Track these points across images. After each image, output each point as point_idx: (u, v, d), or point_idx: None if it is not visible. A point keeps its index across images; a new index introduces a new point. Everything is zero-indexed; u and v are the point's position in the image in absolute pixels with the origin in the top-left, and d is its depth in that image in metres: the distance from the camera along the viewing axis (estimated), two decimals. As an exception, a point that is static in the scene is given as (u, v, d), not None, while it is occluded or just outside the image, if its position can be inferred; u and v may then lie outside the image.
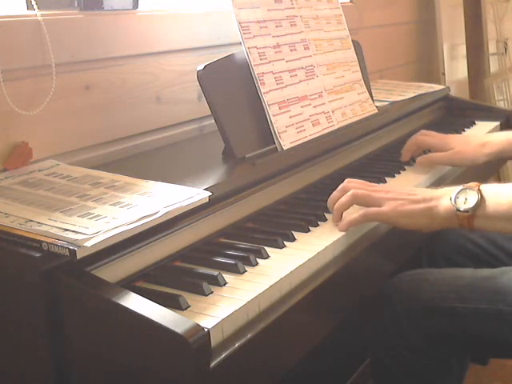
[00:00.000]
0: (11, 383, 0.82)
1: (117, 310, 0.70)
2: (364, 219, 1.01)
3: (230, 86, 1.13)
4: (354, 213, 1.02)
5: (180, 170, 1.08)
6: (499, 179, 2.72)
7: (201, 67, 1.08)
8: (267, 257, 0.90)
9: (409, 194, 1.03)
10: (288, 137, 1.16)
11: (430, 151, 1.38)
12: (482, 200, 0.97)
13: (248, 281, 0.83)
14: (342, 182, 1.20)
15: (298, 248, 0.94)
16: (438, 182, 1.32)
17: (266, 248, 0.92)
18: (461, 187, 0.99)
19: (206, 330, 0.69)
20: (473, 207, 0.96)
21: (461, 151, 1.35)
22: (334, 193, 1.05)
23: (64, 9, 1.11)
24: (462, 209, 0.97)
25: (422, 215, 1.00)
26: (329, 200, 1.06)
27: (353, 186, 1.04)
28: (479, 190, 0.98)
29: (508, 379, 1.86)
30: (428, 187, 1.29)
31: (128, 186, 0.93)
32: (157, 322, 0.67)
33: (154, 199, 0.87)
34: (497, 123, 1.77)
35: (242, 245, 0.94)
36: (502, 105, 2.70)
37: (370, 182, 1.22)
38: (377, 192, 1.04)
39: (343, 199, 1.03)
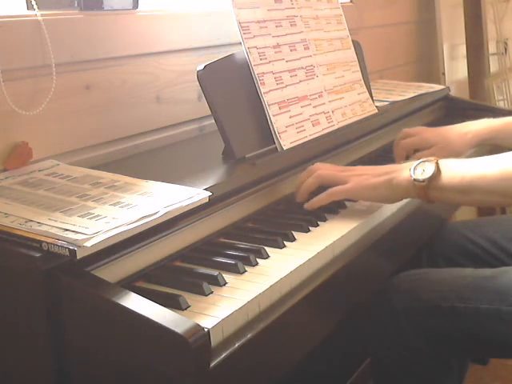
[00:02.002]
0: (11, 383, 0.82)
1: (117, 309, 0.70)
2: (329, 197, 1.06)
3: (230, 86, 1.13)
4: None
5: (180, 170, 1.08)
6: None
7: (201, 67, 1.08)
8: (267, 257, 0.90)
9: (373, 169, 1.09)
10: (288, 137, 1.16)
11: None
12: (437, 172, 1.01)
13: (248, 281, 0.83)
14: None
15: (298, 248, 0.94)
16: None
17: (266, 248, 0.92)
18: (421, 160, 1.04)
19: (205, 330, 0.69)
20: (428, 178, 1.01)
21: (444, 146, 1.35)
22: (302, 174, 1.10)
23: (64, 9, 1.11)
24: (418, 179, 1.02)
25: (383, 187, 1.05)
26: (297, 182, 1.10)
27: (319, 167, 1.09)
28: (437, 163, 1.02)
29: (508, 379, 1.86)
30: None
31: (128, 185, 0.93)
32: (157, 322, 0.67)
33: (154, 199, 0.87)
34: (487, 119, 1.76)
35: (242, 245, 0.94)
36: (502, 105, 2.70)
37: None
38: (342, 171, 1.09)
39: (310, 180, 1.08)
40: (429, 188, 1.01)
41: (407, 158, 1.37)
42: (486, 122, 1.42)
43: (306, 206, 1.07)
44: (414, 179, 1.02)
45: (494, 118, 1.43)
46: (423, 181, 1.01)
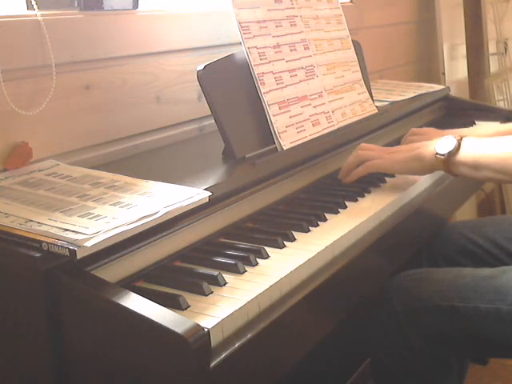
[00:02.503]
0: (11, 383, 0.82)
1: (117, 310, 0.70)
2: (366, 169, 1.18)
3: (230, 86, 1.13)
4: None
5: (180, 170, 1.08)
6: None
7: (201, 67, 1.08)
8: (267, 257, 0.90)
9: (408, 146, 1.21)
10: (288, 137, 1.16)
11: None
12: (457, 148, 1.11)
13: (248, 281, 0.83)
14: (342, 182, 1.21)
15: (298, 248, 0.94)
16: (438, 182, 1.32)
17: (266, 248, 0.92)
18: (448, 136, 1.14)
19: (205, 330, 0.69)
20: (448, 152, 1.11)
21: None
22: (350, 158, 1.21)
23: (64, 9, 1.11)
24: (440, 152, 1.12)
25: (413, 160, 1.16)
26: (343, 166, 1.22)
27: (366, 154, 1.20)
28: (459, 141, 1.12)
29: (508, 379, 1.86)
30: (429, 186, 1.29)
31: (128, 185, 0.93)
32: (157, 322, 0.67)
33: (154, 199, 0.87)
34: (497, 123, 1.77)
35: (242, 245, 0.94)
36: (502, 105, 2.70)
37: (369, 181, 1.23)
38: (380, 151, 1.21)
39: (350, 159, 1.21)
40: (448, 162, 1.11)
41: None
42: (494, 126, 1.43)
43: (347, 179, 1.20)
44: (437, 153, 1.12)
45: (502, 123, 1.45)
46: (443, 155, 1.11)
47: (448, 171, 1.14)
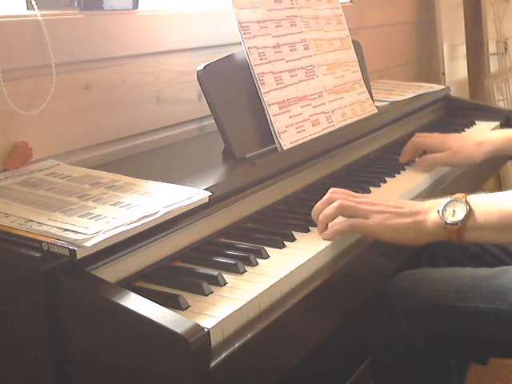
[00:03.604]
0: (11, 383, 0.82)
1: (117, 310, 0.70)
2: (350, 229, 0.99)
3: (230, 86, 1.13)
4: (339, 222, 1.00)
5: (180, 170, 1.08)
6: (499, 178, 2.72)
7: (201, 67, 1.08)
8: (267, 257, 0.90)
9: (395, 206, 1.00)
10: (288, 137, 1.16)
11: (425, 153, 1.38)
12: (470, 211, 0.95)
13: (248, 281, 0.83)
14: (342, 182, 1.21)
15: (298, 248, 0.94)
16: (438, 182, 1.32)
17: (265, 248, 0.92)
18: (448, 199, 0.97)
19: (206, 330, 0.69)
20: (462, 219, 0.94)
21: (458, 151, 1.35)
22: (318, 204, 1.02)
23: (64, 9, 1.11)
24: (450, 221, 0.95)
25: (408, 229, 0.97)
26: (313, 211, 1.02)
27: (338, 197, 1.01)
28: (467, 202, 0.96)
29: (508, 379, 1.86)
30: (428, 187, 1.29)
31: (128, 185, 0.93)
32: (157, 322, 0.67)
33: (154, 199, 0.87)
34: (497, 123, 1.77)
35: (242, 245, 0.94)
36: (502, 105, 2.70)
37: (369, 182, 1.23)
38: (363, 204, 1.00)
39: (329, 210, 0.99)
40: (464, 230, 0.95)
41: (412, 158, 1.37)
42: (502, 132, 1.43)
43: (325, 235, 0.98)
44: (447, 222, 0.95)
45: (510, 129, 1.44)
46: (456, 223, 0.95)
47: (458, 240, 0.96)
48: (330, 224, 1.00)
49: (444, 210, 0.96)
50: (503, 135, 1.40)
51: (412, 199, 1.21)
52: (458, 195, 0.97)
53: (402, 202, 1.03)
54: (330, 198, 1.01)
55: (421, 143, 1.38)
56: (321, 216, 1.00)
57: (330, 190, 1.04)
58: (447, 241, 0.97)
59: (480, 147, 1.37)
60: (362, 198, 1.04)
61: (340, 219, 1.00)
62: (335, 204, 0.99)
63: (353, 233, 1.00)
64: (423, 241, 0.99)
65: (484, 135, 1.43)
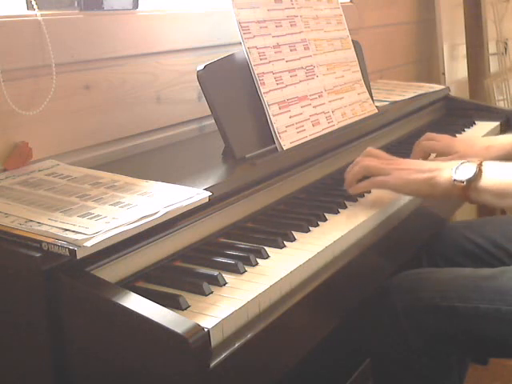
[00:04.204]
0: (11, 383, 0.82)
1: (117, 310, 0.70)
2: (371, 185, 1.12)
3: (230, 86, 1.13)
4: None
5: (180, 170, 1.08)
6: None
7: (201, 67, 1.08)
8: (267, 257, 0.90)
9: (417, 164, 1.12)
10: (288, 137, 1.16)
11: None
12: (478, 174, 1.03)
13: (248, 281, 0.83)
14: (342, 182, 1.21)
15: (298, 248, 0.94)
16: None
17: (265, 248, 0.92)
18: (464, 161, 1.06)
19: (206, 329, 0.69)
20: (468, 179, 1.03)
21: (465, 155, 1.33)
22: (351, 165, 1.14)
23: (64, 9, 1.11)
24: (458, 179, 1.04)
25: (424, 184, 1.07)
26: (346, 171, 1.15)
27: (366, 159, 1.14)
28: (480, 165, 1.04)
29: (508, 379, 1.86)
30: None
31: (128, 185, 0.93)
32: (157, 322, 0.67)
33: (154, 199, 0.87)
34: (497, 123, 1.77)
35: (242, 245, 0.94)
36: (502, 105, 2.70)
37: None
38: (387, 164, 1.12)
39: (354, 169, 1.13)
40: (468, 189, 1.04)
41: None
42: (510, 137, 1.42)
43: (351, 190, 1.13)
44: (455, 179, 1.04)
45: None
46: (463, 181, 1.04)
47: (465, 198, 1.06)
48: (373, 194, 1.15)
49: (457, 168, 1.06)
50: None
51: (412, 199, 1.21)
52: (475, 159, 1.06)
53: (424, 162, 1.16)
54: (358, 159, 1.15)
55: (429, 147, 1.37)
56: (349, 175, 1.14)
57: (366, 149, 1.18)
58: (457, 199, 1.07)
59: (488, 151, 1.36)
60: (390, 160, 1.15)
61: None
62: (360, 164, 1.13)
63: (375, 188, 1.14)
64: (438, 195, 1.08)
65: (492, 139, 1.42)
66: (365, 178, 1.13)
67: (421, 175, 1.08)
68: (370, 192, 1.18)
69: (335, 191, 1.19)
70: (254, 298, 0.79)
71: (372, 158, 1.15)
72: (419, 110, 1.72)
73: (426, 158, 1.37)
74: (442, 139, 1.38)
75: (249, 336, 0.75)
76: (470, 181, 1.03)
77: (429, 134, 1.39)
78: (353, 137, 1.37)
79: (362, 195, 1.16)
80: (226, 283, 0.82)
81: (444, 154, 1.35)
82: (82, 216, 0.81)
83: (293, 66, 1.24)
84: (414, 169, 1.09)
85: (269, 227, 1.01)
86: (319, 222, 1.03)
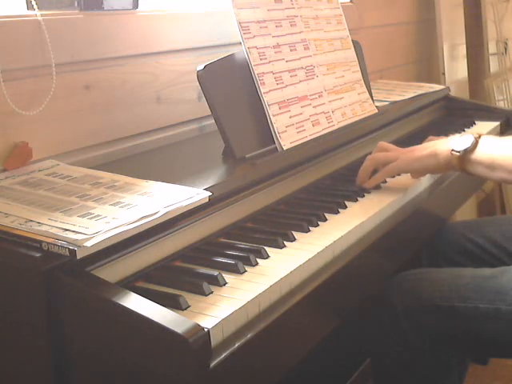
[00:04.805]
0: (11, 383, 0.82)
1: (117, 310, 0.70)
2: (384, 175, 1.18)
3: (230, 86, 1.13)
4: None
5: (180, 170, 1.08)
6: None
7: (201, 67, 1.08)
8: (267, 257, 0.90)
9: (420, 146, 1.19)
10: (288, 137, 1.16)
11: None
12: (475, 146, 1.09)
13: (248, 281, 0.83)
14: (342, 182, 1.21)
15: (298, 248, 0.94)
16: (438, 182, 1.32)
17: (265, 248, 0.92)
18: (465, 134, 1.13)
19: (206, 329, 0.69)
20: (463, 150, 1.09)
21: None
22: (366, 162, 1.20)
23: (64, 9, 1.11)
24: (456, 149, 1.10)
25: (428, 157, 1.14)
26: (360, 170, 1.20)
27: (382, 157, 1.19)
28: (477, 138, 1.10)
29: (508, 379, 1.86)
30: (429, 187, 1.29)
31: (128, 185, 0.93)
32: (157, 322, 0.67)
33: (154, 199, 0.87)
34: (497, 123, 1.77)
35: (242, 245, 0.94)
36: (502, 105, 2.70)
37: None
38: (395, 151, 1.19)
39: (365, 163, 1.18)
40: (463, 160, 1.10)
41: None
42: None
43: (366, 185, 1.17)
44: (452, 149, 1.10)
45: None
46: (459, 152, 1.10)
47: (462, 169, 1.12)
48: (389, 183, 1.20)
49: (458, 141, 1.12)
50: None
51: (412, 199, 1.21)
52: (475, 133, 1.12)
53: (427, 143, 1.21)
54: (373, 156, 1.19)
55: (380, 157, 1.36)
56: (360, 170, 1.19)
57: (378, 143, 1.24)
58: (456, 169, 1.12)
59: None
60: (397, 149, 1.21)
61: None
62: (368, 157, 1.19)
63: (388, 176, 1.19)
64: (441, 167, 1.15)
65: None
66: (376, 172, 1.19)
67: (424, 151, 1.15)
68: (369, 192, 1.18)
69: (335, 191, 1.19)
70: (253, 298, 0.79)
71: (383, 150, 1.21)
72: (419, 110, 1.72)
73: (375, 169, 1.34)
74: (395, 150, 1.36)
75: (249, 336, 0.75)
76: (465, 151, 1.09)
77: (431, 137, 1.38)
78: (353, 137, 1.37)
79: (362, 195, 1.16)
80: (226, 283, 0.82)
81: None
82: (82, 216, 0.81)
83: (293, 66, 1.24)
84: (418, 148, 1.17)
85: (269, 227, 1.01)
86: (319, 222, 1.03)
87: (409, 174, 1.27)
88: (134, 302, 0.70)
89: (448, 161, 1.12)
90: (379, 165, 1.18)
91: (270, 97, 1.15)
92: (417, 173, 1.21)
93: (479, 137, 1.10)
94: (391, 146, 1.23)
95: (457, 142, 1.11)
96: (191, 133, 1.35)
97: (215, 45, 1.37)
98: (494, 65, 2.72)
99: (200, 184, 0.94)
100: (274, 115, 1.15)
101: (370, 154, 1.23)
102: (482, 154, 1.09)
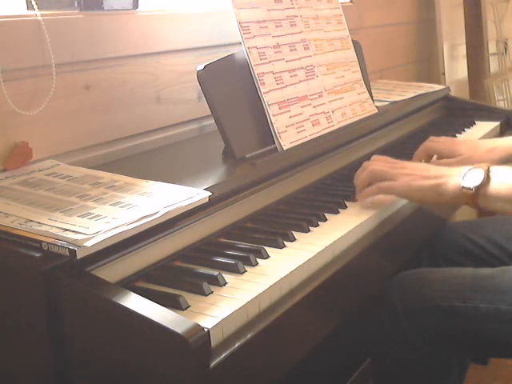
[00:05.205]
0: (11, 383, 0.82)
1: (117, 310, 0.70)
2: (378, 190, 1.10)
3: (230, 86, 1.13)
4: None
5: (180, 170, 1.08)
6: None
7: (201, 67, 1.08)
8: (267, 257, 0.90)
9: (423, 170, 1.10)
10: (288, 137, 1.16)
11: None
12: (487, 180, 1.02)
13: (248, 281, 0.83)
14: (342, 182, 1.21)
15: (298, 248, 0.94)
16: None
17: (265, 248, 0.92)
18: (471, 167, 1.05)
19: (206, 330, 0.69)
20: (477, 186, 1.01)
21: (470, 157, 1.33)
22: (358, 171, 1.14)
23: (64, 9, 1.11)
24: (466, 186, 1.02)
25: (431, 190, 1.06)
26: (354, 178, 1.14)
27: (373, 163, 1.13)
28: (488, 171, 1.03)
29: (508, 379, 1.86)
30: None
31: (128, 185, 0.93)
32: (157, 322, 0.67)
33: (154, 199, 0.87)
34: (497, 123, 1.77)
35: (242, 245, 0.94)
36: (502, 105, 2.70)
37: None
38: (393, 168, 1.11)
39: (362, 175, 1.12)
40: (477, 196, 1.02)
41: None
42: None
43: (358, 197, 1.12)
44: (463, 186, 1.03)
45: None
46: (471, 188, 1.02)
47: (474, 205, 1.04)
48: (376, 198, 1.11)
49: (465, 175, 1.04)
50: None
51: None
52: (482, 164, 1.04)
53: (430, 167, 1.13)
54: (366, 164, 1.13)
55: (432, 148, 1.36)
56: (356, 181, 1.13)
57: (372, 157, 1.16)
58: (464, 204, 1.05)
59: (492, 154, 1.36)
60: (396, 163, 1.14)
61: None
62: (367, 169, 1.12)
63: (381, 193, 1.10)
64: (444, 202, 1.07)
65: (496, 141, 1.42)
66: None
67: (427, 182, 1.06)
68: None
69: (335, 191, 1.19)
70: (253, 298, 0.79)
71: (379, 162, 1.14)
72: (419, 110, 1.72)
73: (428, 160, 1.37)
74: (446, 141, 1.38)
75: (249, 336, 0.75)
76: (478, 187, 1.02)
77: (433, 138, 1.39)
78: (353, 137, 1.37)
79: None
80: (226, 283, 0.82)
81: (447, 156, 1.34)
82: (82, 216, 0.81)
83: (293, 66, 1.24)
84: (420, 175, 1.07)
85: (269, 227, 1.01)
86: (319, 222, 1.03)
87: None
88: (134, 302, 0.70)
89: (455, 197, 1.04)
90: (377, 179, 1.11)
91: (269, 97, 1.15)
92: (413, 202, 1.14)
93: (488, 169, 1.03)
94: (387, 158, 1.16)
95: (467, 178, 1.03)
96: (191, 133, 1.35)
97: (215, 45, 1.37)
98: (494, 65, 2.72)
99: (200, 184, 0.94)
100: (273, 115, 1.15)
101: (369, 158, 1.17)
102: (499, 186, 1.02)
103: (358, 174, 1.13)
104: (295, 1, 1.30)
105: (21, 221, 0.80)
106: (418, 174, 1.08)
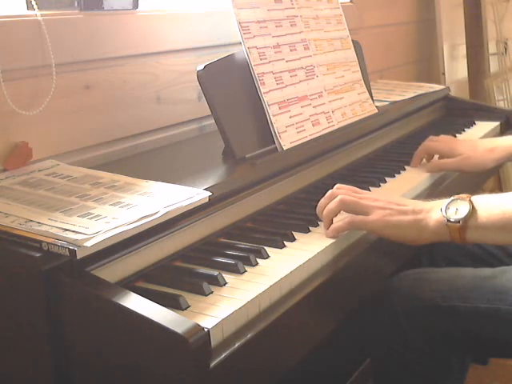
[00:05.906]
0: (11, 383, 0.82)
1: (117, 310, 0.70)
2: (349, 226, 0.98)
3: (230, 86, 1.13)
4: (340, 219, 1.00)
5: (180, 170, 1.08)
6: (499, 178, 2.72)
7: (201, 67, 1.08)
8: (267, 257, 0.90)
9: (398, 204, 0.99)
10: (288, 137, 1.16)
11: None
12: (473, 210, 0.94)
13: (248, 281, 0.83)
14: (342, 182, 1.21)
15: (298, 248, 0.94)
16: (439, 182, 1.32)
17: (265, 248, 0.92)
18: (451, 198, 0.97)
19: (206, 329, 0.69)
20: (464, 217, 0.93)
21: (469, 157, 1.34)
22: (322, 199, 1.02)
23: (64, 9, 1.11)
24: (453, 219, 0.94)
25: (409, 227, 0.96)
26: (317, 207, 1.03)
27: (341, 192, 1.01)
28: (470, 201, 0.95)
29: (508, 379, 1.86)
30: (428, 187, 1.29)
31: (128, 185, 0.93)
32: (157, 322, 0.67)
33: (154, 199, 0.87)
34: (497, 123, 1.77)
35: (242, 245, 0.94)
36: (502, 105, 2.70)
37: (369, 182, 1.23)
38: (365, 199, 1.00)
39: (331, 205, 1.00)
40: (466, 228, 0.94)
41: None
42: None
43: (327, 233, 0.99)
44: (448, 220, 0.94)
45: None
46: (458, 221, 0.93)
47: (459, 239, 0.95)
48: (334, 220, 1.00)
49: (447, 208, 0.95)
50: None
51: (412, 199, 1.21)
52: (462, 195, 0.96)
53: (404, 200, 1.03)
54: (333, 193, 1.02)
55: (432, 147, 1.37)
56: (324, 211, 1.00)
57: (335, 185, 1.04)
58: (449, 241, 0.96)
59: (492, 153, 1.36)
60: (365, 193, 1.04)
61: (343, 215, 1.00)
62: (337, 199, 0.99)
63: (353, 230, 1.00)
64: (424, 240, 0.98)
65: (496, 141, 1.42)
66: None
67: (404, 217, 0.97)
68: (376, 187, 1.18)
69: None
70: (253, 298, 0.79)
71: (345, 191, 1.03)
72: (419, 110, 1.72)
73: (429, 159, 1.37)
74: (446, 141, 1.38)
75: (249, 336, 0.75)
76: (466, 219, 0.93)
77: (432, 137, 1.39)
78: (353, 137, 1.37)
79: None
80: (226, 283, 0.82)
81: (447, 155, 1.35)
82: (82, 216, 0.81)
83: (293, 66, 1.24)
84: (396, 209, 0.98)
85: (269, 227, 1.01)
86: (319, 222, 1.03)
87: (410, 174, 1.27)
88: (134, 302, 0.70)
89: (438, 233, 0.95)
90: (347, 211, 1.00)
91: (269, 97, 1.16)
92: (387, 238, 1.00)
93: (470, 199, 0.95)
94: (352, 188, 1.05)
95: (450, 211, 0.95)
96: (191, 133, 1.35)
97: (215, 45, 1.37)
98: (494, 65, 2.72)
99: (200, 184, 0.94)
100: (274, 115, 1.15)
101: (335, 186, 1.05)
102: (491, 214, 0.93)
103: (324, 203, 1.02)
104: (295, 1, 1.30)
105: (21, 221, 0.80)
106: (394, 208, 0.98)
